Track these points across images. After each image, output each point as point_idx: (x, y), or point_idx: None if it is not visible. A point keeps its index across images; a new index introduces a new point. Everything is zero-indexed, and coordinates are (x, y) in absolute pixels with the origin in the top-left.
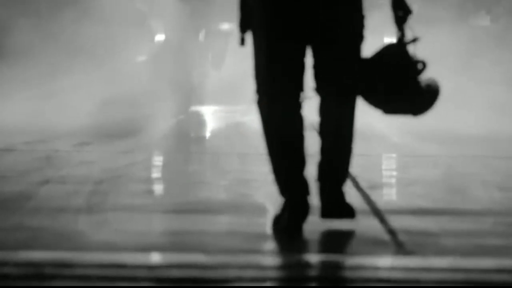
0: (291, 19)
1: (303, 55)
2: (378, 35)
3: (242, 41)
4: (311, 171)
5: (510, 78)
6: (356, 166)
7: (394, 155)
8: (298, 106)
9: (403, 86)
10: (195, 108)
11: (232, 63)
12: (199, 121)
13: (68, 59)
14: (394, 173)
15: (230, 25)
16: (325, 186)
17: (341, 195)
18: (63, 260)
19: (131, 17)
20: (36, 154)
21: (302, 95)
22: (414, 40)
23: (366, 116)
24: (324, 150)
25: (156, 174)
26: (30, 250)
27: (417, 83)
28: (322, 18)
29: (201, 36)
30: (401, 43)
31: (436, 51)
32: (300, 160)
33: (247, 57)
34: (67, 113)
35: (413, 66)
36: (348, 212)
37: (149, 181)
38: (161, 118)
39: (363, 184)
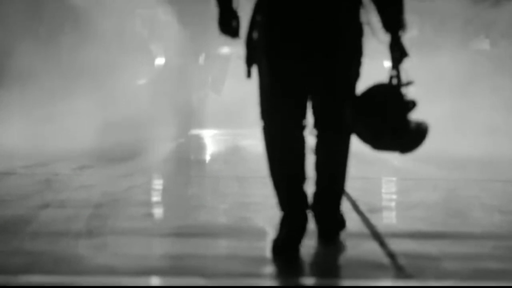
0: (292, 57)
1: (304, 89)
2: (377, 59)
3: (248, 74)
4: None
5: (509, 102)
6: (356, 189)
7: (394, 178)
8: (300, 131)
9: (393, 124)
10: (195, 131)
11: (232, 86)
12: (199, 145)
13: (68, 83)
14: (394, 196)
15: (230, 49)
16: (319, 214)
17: (335, 221)
18: (63, 284)
19: (131, 40)
20: (36, 177)
21: (304, 121)
22: (408, 84)
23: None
24: (318, 184)
25: (155, 197)
26: (30, 274)
27: (407, 122)
28: (321, 58)
29: (201, 59)
30: (394, 84)
31: (436, 75)
32: (300, 179)
33: (246, 81)
34: (67, 137)
35: (405, 106)
36: (339, 226)
37: (149, 204)
38: (161, 141)
39: (363, 207)
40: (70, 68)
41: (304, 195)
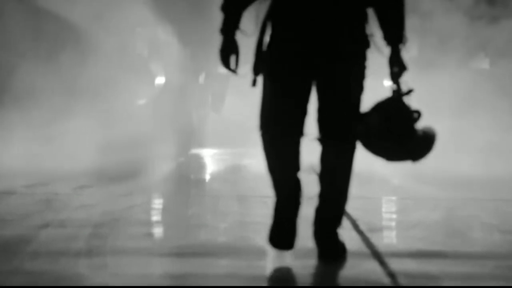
0: (298, 70)
1: (306, 101)
2: (378, 78)
3: (254, 82)
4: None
5: (509, 121)
6: (356, 209)
7: (394, 197)
8: (298, 141)
9: (402, 135)
10: (195, 150)
11: (232, 105)
12: (199, 164)
13: (68, 102)
14: (394, 216)
15: None
16: (320, 229)
17: (335, 238)
18: None
19: (131, 59)
20: (36, 197)
21: (301, 136)
22: (409, 92)
23: (366, 159)
24: (322, 195)
25: (155, 217)
26: None
27: (414, 131)
28: (326, 70)
29: (201, 78)
30: (397, 96)
31: (435, 94)
32: (295, 186)
33: (247, 99)
34: (67, 156)
35: (410, 116)
36: (340, 253)
37: (149, 224)
38: (161, 160)
39: (363, 226)
40: (70, 87)
41: (297, 183)
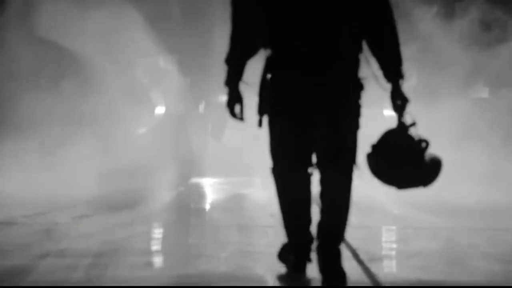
0: (300, 110)
1: (310, 136)
2: (377, 108)
3: (260, 123)
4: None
5: (508, 150)
6: (356, 238)
7: (394, 227)
8: (307, 176)
9: (413, 164)
10: (195, 180)
11: (231, 135)
12: (199, 193)
13: (68, 131)
14: (394, 245)
15: None
16: (322, 247)
17: (336, 258)
18: None
19: (131, 89)
20: (35, 227)
21: (310, 168)
22: (413, 124)
23: (366, 188)
24: (323, 217)
25: (155, 246)
26: None
27: (423, 160)
28: (324, 109)
29: (201, 107)
30: (402, 128)
31: (434, 124)
32: (306, 219)
33: (246, 129)
34: (66, 185)
35: (418, 146)
36: (340, 279)
37: (149, 253)
38: (161, 189)
39: (363, 256)
40: (71, 116)
41: (309, 235)
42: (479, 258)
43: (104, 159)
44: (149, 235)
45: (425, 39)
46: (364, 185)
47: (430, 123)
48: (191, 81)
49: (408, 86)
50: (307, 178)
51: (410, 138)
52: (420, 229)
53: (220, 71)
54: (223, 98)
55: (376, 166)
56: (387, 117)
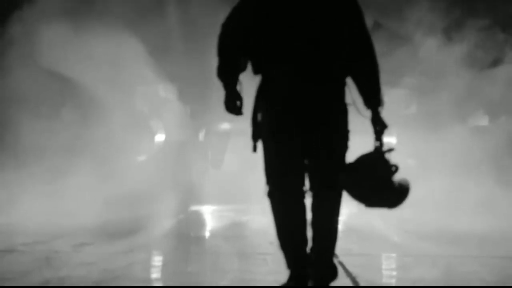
0: (291, 135)
1: (302, 159)
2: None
3: (254, 148)
4: None
5: (508, 178)
6: (356, 265)
7: (394, 254)
8: (301, 196)
9: (381, 185)
10: (194, 207)
11: (231, 162)
12: (199, 221)
13: (69, 159)
14: (394, 273)
15: (229, 125)
16: (316, 258)
17: (329, 265)
18: None
19: (131, 117)
20: (36, 255)
21: (304, 188)
22: (390, 150)
23: (367, 216)
24: (314, 237)
25: (155, 274)
26: None
27: (391, 182)
28: (314, 134)
29: (201, 135)
30: (379, 151)
31: (434, 151)
32: (302, 239)
33: (246, 157)
34: (66, 213)
35: (389, 170)
36: (331, 275)
37: (149, 281)
38: (160, 217)
39: (363, 283)
40: (71, 144)
41: (305, 256)
42: (479, 286)
43: (104, 187)
44: (149, 263)
45: (424, 68)
46: (364, 212)
47: (430, 151)
48: (191, 110)
49: (408, 114)
50: (302, 200)
51: (383, 162)
52: (420, 257)
53: (220, 100)
54: (223, 126)
55: (347, 185)
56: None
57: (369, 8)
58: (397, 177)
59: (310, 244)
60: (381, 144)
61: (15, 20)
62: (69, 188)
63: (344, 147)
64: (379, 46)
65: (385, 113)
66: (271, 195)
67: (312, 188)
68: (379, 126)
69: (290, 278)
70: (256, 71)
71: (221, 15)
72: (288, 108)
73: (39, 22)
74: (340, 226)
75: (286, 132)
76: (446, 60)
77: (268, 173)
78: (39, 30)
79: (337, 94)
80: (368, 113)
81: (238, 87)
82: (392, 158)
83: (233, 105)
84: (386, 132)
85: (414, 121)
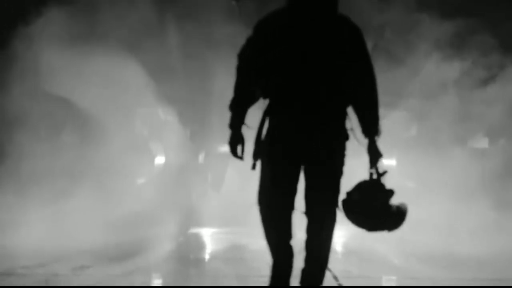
0: (290, 157)
1: (295, 184)
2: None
3: (254, 166)
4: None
5: (507, 201)
6: None
7: (394, 277)
8: (290, 217)
9: (379, 210)
10: (194, 230)
11: (231, 185)
12: (198, 243)
13: (68, 182)
14: None
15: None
16: (306, 279)
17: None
18: None
19: (131, 139)
20: (35, 278)
21: (292, 210)
22: (384, 173)
23: (366, 237)
24: (306, 259)
25: None
26: None
27: (389, 207)
28: (313, 158)
29: (201, 158)
30: (375, 178)
31: (434, 175)
32: (288, 252)
33: (246, 179)
34: (65, 236)
35: (386, 195)
36: None
37: None
38: (160, 240)
39: None
40: (70, 167)
41: (290, 249)
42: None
43: (104, 209)
44: (149, 286)
45: (424, 90)
46: (364, 234)
47: (429, 174)
48: (190, 132)
49: (408, 137)
50: (290, 219)
51: (380, 187)
52: (420, 279)
53: (219, 122)
54: (223, 148)
55: (348, 212)
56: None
57: (369, 30)
58: (395, 201)
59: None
60: (377, 171)
61: (15, 42)
62: (68, 211)
63: (339, 172)
64: (379, 68)
65: (385, 136)
66: (261, 211)
67: (307, 213)
68: (375, 154)
69: (274, 267)
70: (265, 97)
71: (221, 38)
72: (289, 133)
73: (39, 44)
74: (340, 248)
75: (283, 156)
76: (446, 82)
77: (261, 191)
78: (39, 52)
79: (336, 121)
80: (365, 142)
81: (242, 129)
82: (392, 180)
83: (235, 149)
84: (382, 158)
85: (413, 144)
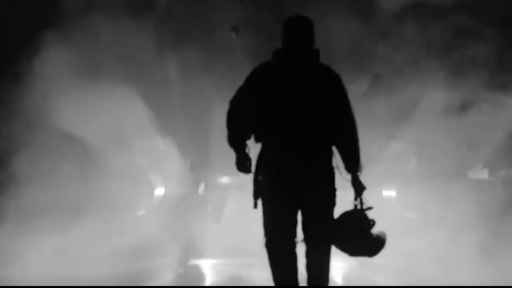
0: (286, 196)
1: (295, 217)
2: (375, 187)
3: (255, 205)
4: None
5: (508, 231)
6: None
7: None
8: (293, 247)
9: (361, 238)
10: (194, 261)
11: (231, 216)
12: (199, 275)
13: (68, 215)
14: None
15: (229, 179)
16: None
17: None
18: None
19: (131, 171)
20: None
21: (295, 240)
22: (368, 208)
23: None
24: (309, 279)
25: None
26: None
27: (370, 235)
28: (306, 194)
29: (201, 189)
30: (359, 209)
31: (433, 205)
32: (294, 281)
33: (245, 211)
34: (66, 268)
35: (368, 224)
36: None
37: None
38: (160, 272)
39: None
40: (70, 199)
41: (295, 278)
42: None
43: (104, 241)
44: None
45: (423, 119)
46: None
47: (429, 205)
48: (190, 163)
49: (408, 168)
50: (294, 251)
51: (363, 217)
52: None
53: (219, 153)
54: (223, 179)
55: (334, 237)
56: (386, 197)
57: (369, 61)
58: (375, 230)
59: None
60: (361, 202)
61: (17, 75)
62: (69, 243)
63: (331, 205)
64: (379, 98)
65: (385, 167)
66: (267, 246)
67: (305, 240)
68: (358, 188)
69: None
70: (257, 141)
71: (220, 69)
72: (283, 173)
73: (37, 77)
74: (340, 279)
75: (281, 194)
76: (446, 112)
77: (266, 227)
78: (40, 86)
79: (325, 161)
80: (349, 177)
81: (246, 150)
82: (392, 212)
83: (243, 166)
84: (365, 190)
85: (413, 175)
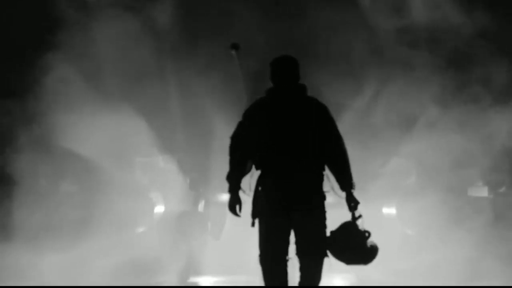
0: (280, 216)
1: (288, 236)
2: (377, 204)
3: (253, 224)
4: None
5: (508, 250)
6: None
7: None
8: (285, 264)
9: (356, 247)
10: (193, 279)
11: (231, 233)
12: None
13: (68, 233)
14: None
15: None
16: None
17: None
18: None
19: (131, 189)
20: None
21: (287, 257)
22: (359, 217)
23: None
24: (301, 283)
25: None
26: None
27: (365, 245)
28: (299, 215)
29: (201, 206)
30: (353, 222)
31: (433, 223)
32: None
33: (245, 228)
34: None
35: (362, 235)
36: None
37: None
38: None
39: None
40: (70, 217)
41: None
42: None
43: (103, 259)
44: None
45: (423, 139)
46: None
47: (429, 222)
48: (190, 180)
49: (408, 184)
50: (285, 266)
51: (357, 229)
52: None
53: (219, 171)
54: (223, 197)
55: (331, 247)
56: (386, 214)
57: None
58: (369, 241)
59: None
60: (354, 216)
61: (19, 94)
62: (69, 260)
63: (322, 226)
64: (378, 115)
65: (385, 184)
66: (261, 262)
67: (298, 256)
68: (352, 203)
69: None
70: (257, 168)
71: (220, 87)
72: (277, 196)
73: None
74: None
75: (274, 214)
76: (445, 127)
77: (260, 243)
78: (43, 105)
79: (317, 185)
80: (343, 194)
81: (240, 192)
82: (392, 228)
83: (234, 209)
84: (359, 204)
85: (413, 192)
